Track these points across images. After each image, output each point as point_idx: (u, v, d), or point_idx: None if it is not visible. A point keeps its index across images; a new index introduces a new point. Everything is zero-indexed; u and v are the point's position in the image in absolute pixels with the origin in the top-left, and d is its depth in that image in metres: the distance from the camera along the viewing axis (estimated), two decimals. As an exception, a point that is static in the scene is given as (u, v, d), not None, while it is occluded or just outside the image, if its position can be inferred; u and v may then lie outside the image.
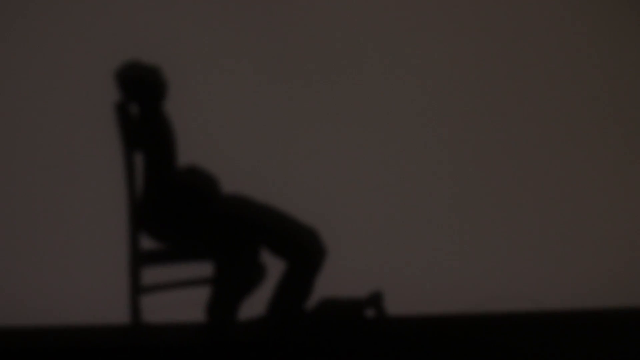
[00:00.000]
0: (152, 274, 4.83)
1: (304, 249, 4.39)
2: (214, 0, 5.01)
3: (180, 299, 4.87)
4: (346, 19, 5.02)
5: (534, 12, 5.10)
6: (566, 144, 5.14)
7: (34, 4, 4.94)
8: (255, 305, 4.82)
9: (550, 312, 5.04)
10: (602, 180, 5.16)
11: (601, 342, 4.55)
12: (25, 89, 4.91)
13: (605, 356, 4.37)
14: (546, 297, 5.10)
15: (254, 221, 4.38)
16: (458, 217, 5.08)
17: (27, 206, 4.88)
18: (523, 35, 5.10)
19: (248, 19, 4.98)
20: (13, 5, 4.91)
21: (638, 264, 5.17)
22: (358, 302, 4.61)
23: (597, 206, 5.16)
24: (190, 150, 4.94)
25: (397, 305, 5.02)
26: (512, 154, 5.11)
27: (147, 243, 4.81)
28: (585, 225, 5.15)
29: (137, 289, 4.42)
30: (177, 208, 4.37)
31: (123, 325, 4.82)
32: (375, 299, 4.63)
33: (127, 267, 4.76)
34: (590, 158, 5.15)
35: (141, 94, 4.40)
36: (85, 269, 4.88)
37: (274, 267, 4.87)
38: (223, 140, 4.97)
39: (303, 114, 5.02)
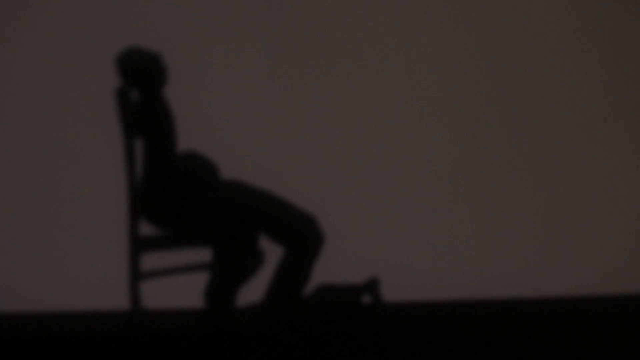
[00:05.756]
0: (151, 260, 4.85)
1: (302, 236, 4.40)
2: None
3: (179, 285, 4.88)
4: (349, 8, 5.02)
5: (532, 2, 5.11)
6: (565, 131, 5.14)
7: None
8: (253, 291, 4.84)
9: (550, 299, 5.05)
10: (601, 166, 5.16)
11: (600, 329, 4.56)
12: (26, 74, 4.92)
13: (605, 342, 4.38)
14: (545, 284, 5.11)
15: (253, 207, 4.39)
16: (456, 202, 5.08)
17: (26, 192, 4.89)
18: (524, 24, 5.10)
19: (249, 4, 4.99)
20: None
21: (637, 251, 5.17)
22: (355, 289, 4.62)
23: (597, 193, 5.16)
24: (190, 137, 4.95)
25: (393, 291, 5.03)
26: (511, 139, 5.12)
27: (147, 229, 4.83)
28: (585, 213, 5.16)
29: (136, 275, 4.44)
30: (176, 194, 4.38)
31: (122, 311, 4.84)
32: (372, 285, 4.64)
33: (126, 253, 4.78)
34: (589, 145, 5.15)
35: (141, 81, 4.41)
36: (85, 255, 4.89)
37: (272, 253, 4.89)
38: (222, 126, 4.98)
39: (303, 100, 5.02)
